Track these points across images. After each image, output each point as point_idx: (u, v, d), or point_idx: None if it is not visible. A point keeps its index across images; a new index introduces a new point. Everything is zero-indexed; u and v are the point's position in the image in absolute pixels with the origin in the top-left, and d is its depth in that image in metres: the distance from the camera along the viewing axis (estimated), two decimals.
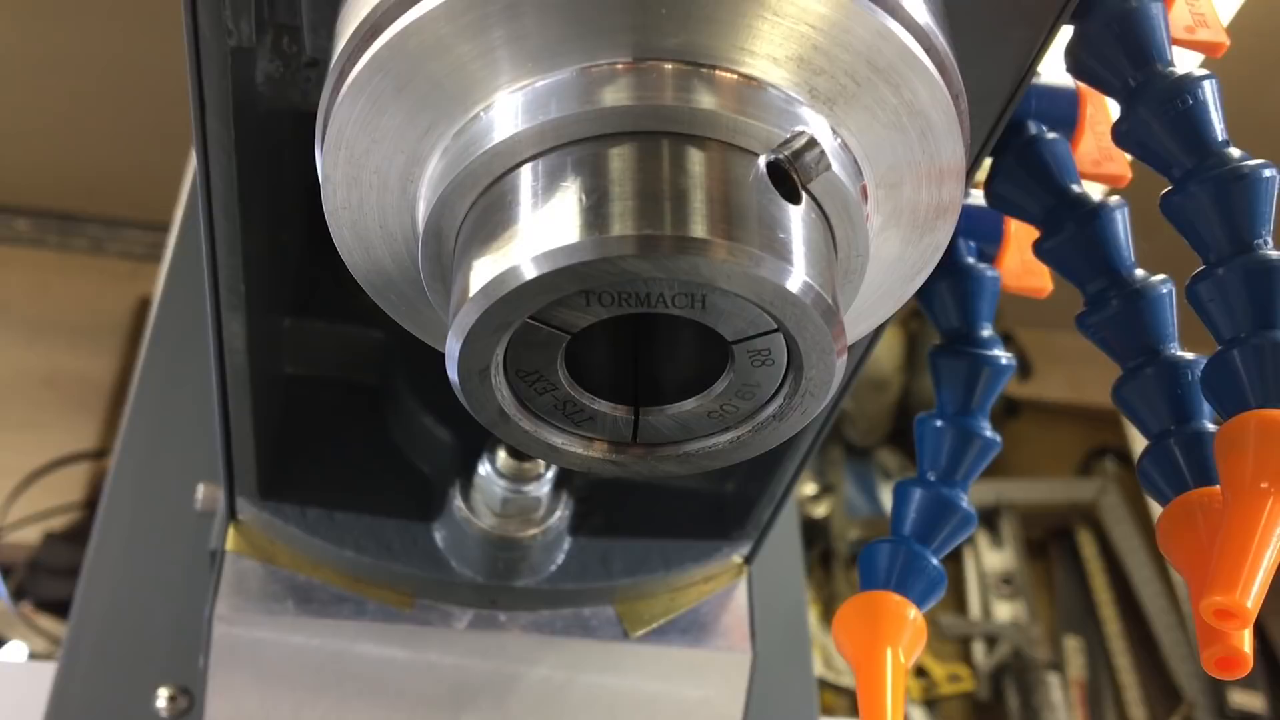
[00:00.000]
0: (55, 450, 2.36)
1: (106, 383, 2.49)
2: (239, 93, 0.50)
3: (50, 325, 2.57)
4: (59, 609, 2.10)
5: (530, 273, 0.36)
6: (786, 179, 0.38)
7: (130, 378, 2.37)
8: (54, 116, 2.47)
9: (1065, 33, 0.50)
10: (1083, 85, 0.55)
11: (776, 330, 0.38)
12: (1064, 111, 0.57)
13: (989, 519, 2.49)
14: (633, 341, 0.45)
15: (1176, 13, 0.52)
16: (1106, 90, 0.51)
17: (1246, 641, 0.44)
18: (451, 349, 0.38)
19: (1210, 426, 0.50)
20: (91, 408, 2.46)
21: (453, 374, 0.39)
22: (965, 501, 0.59)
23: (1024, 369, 2.56)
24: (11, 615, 2.06)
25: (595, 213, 0.36)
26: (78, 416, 2.44)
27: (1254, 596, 0.41)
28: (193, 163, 1.28)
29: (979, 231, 0.62)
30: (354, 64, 0.39)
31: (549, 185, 0.37)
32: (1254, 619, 0.41)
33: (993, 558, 2.48)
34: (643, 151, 0.37)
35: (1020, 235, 0.62)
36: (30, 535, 2.25)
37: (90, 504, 2.29)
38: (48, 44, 2.29)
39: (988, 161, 0.55)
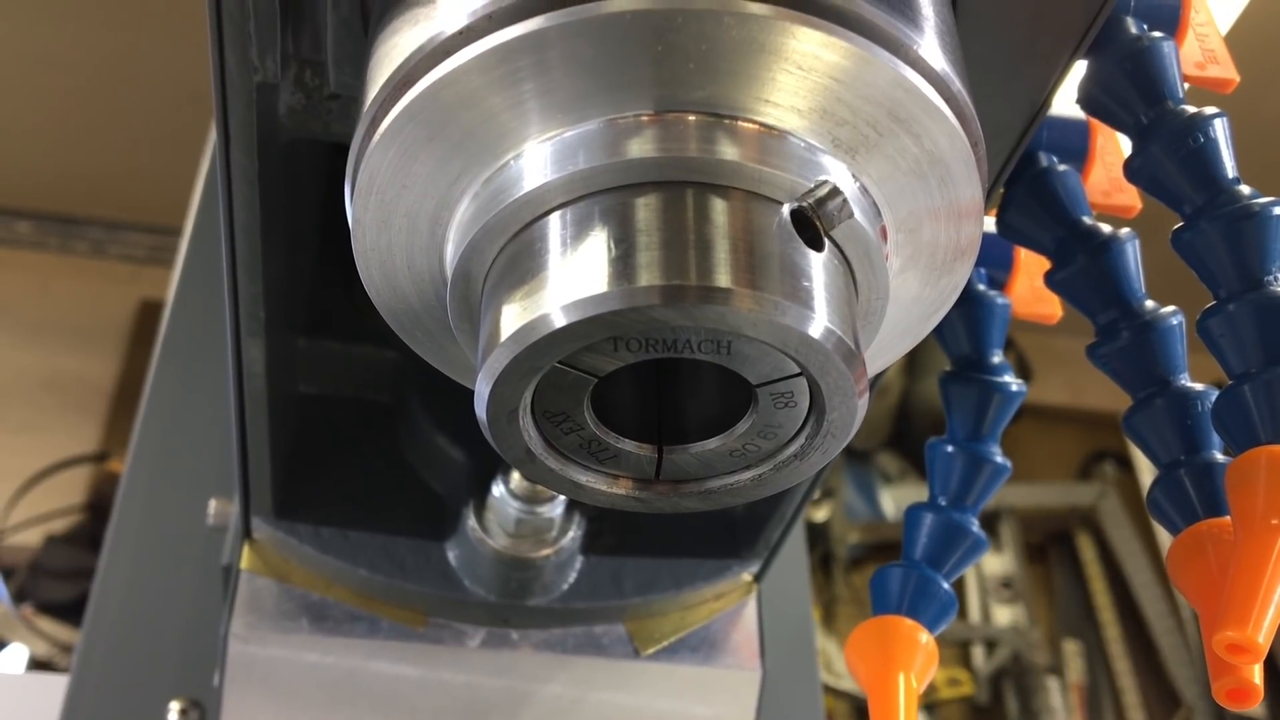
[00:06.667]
0: (56, 453, 2.36)
1: (107, 385, 2.49)
2: (262, 125, 0.51)
3: (51, 327, 2.58)
4: (60, 612, 2.10)
5: (560, 321, 0.37)
6: (810, 227, 0.38)
7: (133, 381, 2.37)
8: (55, 119, 2.48)
9: (1078, 68, 0.51)
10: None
11: (800, 374, 0.39)
12: (1075, 143, 0.58)
13: (988, 523, 2.50)
14: (656, 381, 0.45)
15: (1187, 49, 0.53)
16: (1118, 126, 0.51)
17: (1257, 674, 0.44)
18: (481, 391, 0.39)
19: (1220, 457, 0.50)
20: (92, 410, 2.46)
21: (481, 415, 0.40)
22: (976, 526, 0.60)
23: (1024, 373, 2.57)
24: (13, 618, 2.06)
25: (623, 262, 0.37)
26: (78, 419, 2.45)
27: (1265, 632, 0.42)
28: (202, 169, 1.29)
29: (989, 258, 0.62)
30: (386, 112, 0.39)
31: (577, 234, 0.38)
32: (1265, 653, 0.42)
33: (992, 562, 2.49)
34: (668, 201, 0.38)
35: (1030, 262, 0.63)
36: (31, 538, 2.25)
37: (91, 507, 2.29)
38: (49, 47, 2.30)
39: (1000, 191, 0.56)
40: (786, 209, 0.38)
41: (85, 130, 2.48)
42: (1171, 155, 0.49)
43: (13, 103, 2.41)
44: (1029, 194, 0.55)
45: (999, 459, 0.60)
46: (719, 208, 0.38)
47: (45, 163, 2.57)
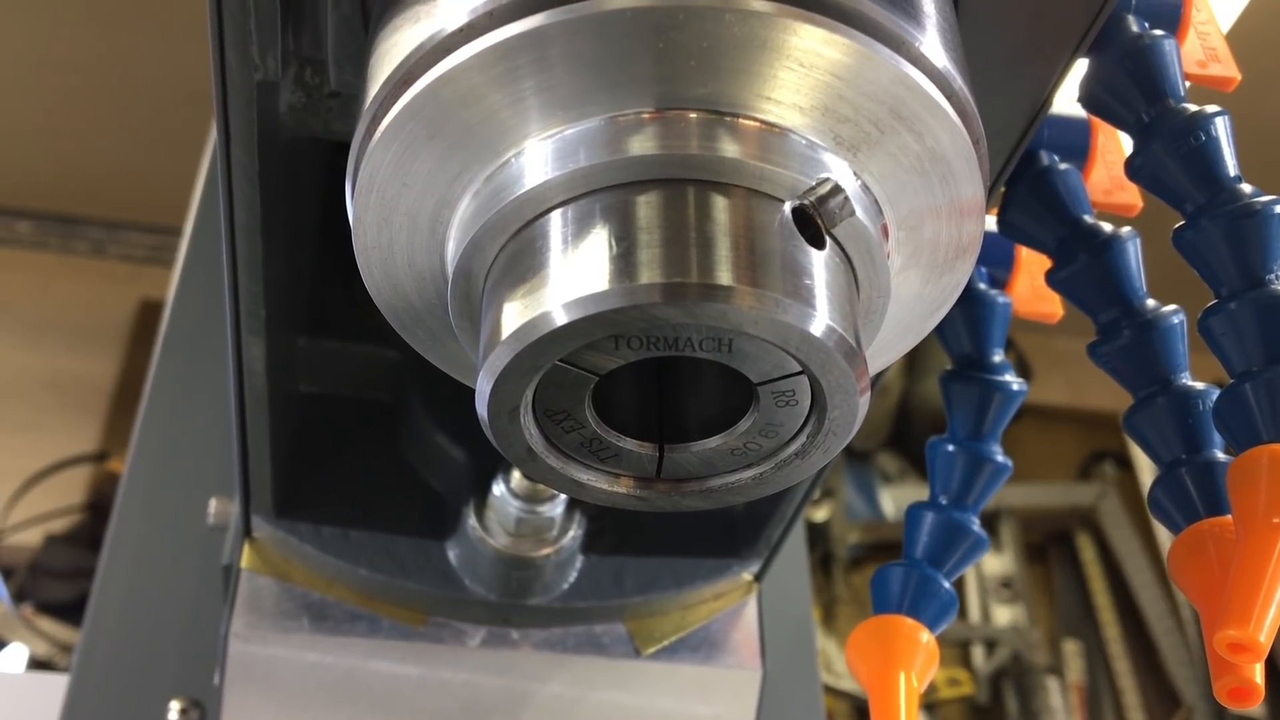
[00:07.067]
0: (56, 452, 2.36)
1: (107, 385, 2.49)
2: (263, 123, 0.51)
3: (51, 327, 2.58)
4: (60, 612, 2.10)
5: (561, 319, 0.37)
6: (811, 224, 0.38)
7: (133, 381, 2.37)
8: (55, 118, 2.48)
9: (1080, 66, 0.51)
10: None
11: (801, 373, 0.39)
12: (1076, 141, 0.58)
13: (988, 523, 2.49)
14: (657, 379, 0.45)
15: (1188, 48, 0.53)
16: (1120, 125, 0.51)
17: (1258, 673, 0.44)
18: (482, 389, 0.39)
19: (1221, 456, 0.50)
20: (92, 410, 2.46)
21: (483, 413, 0.40)
22: (977, 525, 0.60)
23: (1024, 373, 2.57)
24: (13, 618, 2.06)
25: (624, 260, 0.37)
26: (78, 419, 2.45)
27: (1267, 630, 0.42)
28: (202, 168, 1.29)
29: (990, 257, 0.62)
30: (387, 110, 0.39)
31: (578, 232, 0.38)
32: (1267, 652, 0.42)
33: (992, 562, 2.49)
34: (669, 199, 0.38)
35: (1031, 261, 0.63)
36: (31, 537, 2.25)
37: (91, 506, 2.29)
38: (49, 47, 2.30)
39: (1001, 190, 0.56)
40: (788, 206, 0.38)
41: (85, 130, 2.48)
42: (1173, 153, 0.49)
43: (13, 103, 2.40)
44: (1030, 192, 0.55)
45: (1000, 458, 0.60)
46: (720, 205, 0.38)
47: (45, 163, 2.57)
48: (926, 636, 0.58)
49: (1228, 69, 0.54)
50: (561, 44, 0.37)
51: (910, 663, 0.57)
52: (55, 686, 0.91)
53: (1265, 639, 0.42)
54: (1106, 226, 0.53)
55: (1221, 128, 0.48)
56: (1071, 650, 2.44)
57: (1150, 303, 0.53)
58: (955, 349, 0.61)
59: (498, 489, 0.69)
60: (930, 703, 2.34)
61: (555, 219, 0.39)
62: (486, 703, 0.74)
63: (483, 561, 0.70)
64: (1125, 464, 2.69)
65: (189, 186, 1.28)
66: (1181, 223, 0.49)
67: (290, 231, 0.60)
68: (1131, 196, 0.58)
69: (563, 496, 0.69)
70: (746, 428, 0.42)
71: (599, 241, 0.37)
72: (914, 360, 2.59)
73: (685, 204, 0.38)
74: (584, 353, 0.38)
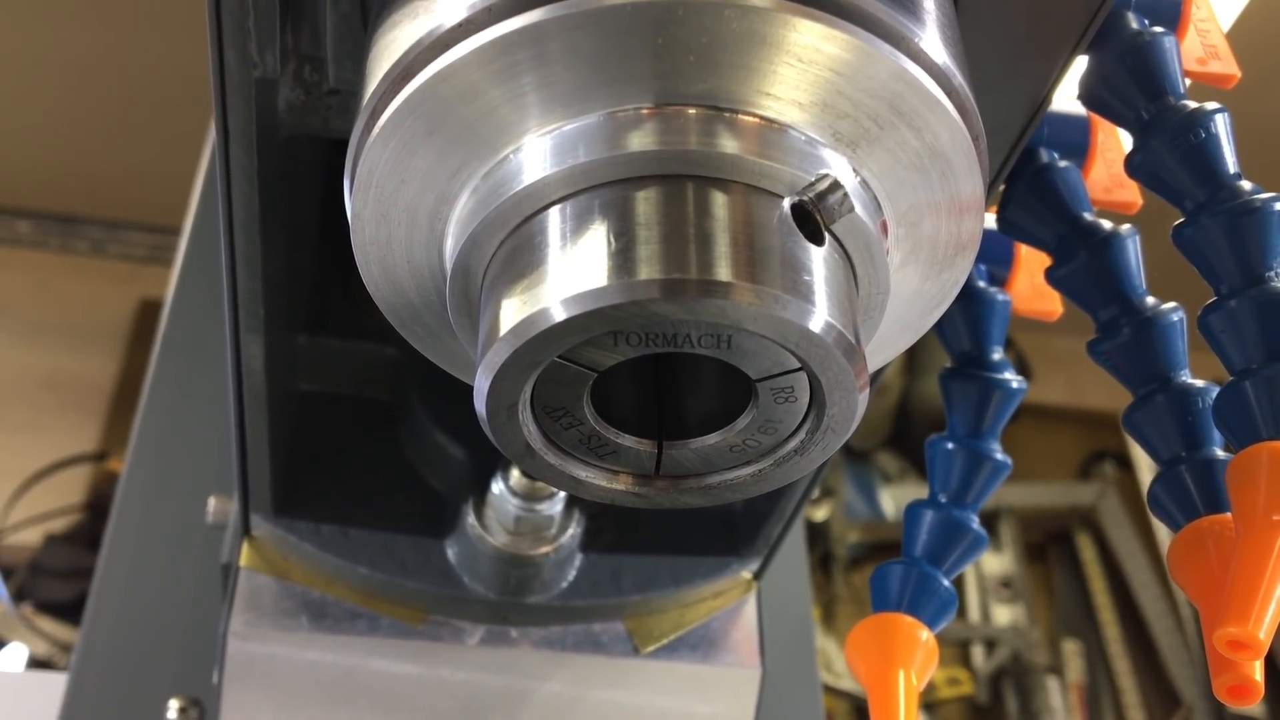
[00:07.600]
0: (56, 452, 2.36)
1: (107, 384, 2.49)
2: (262, 120, 0.50)
3: (51, 327, 2.58)
4: (60, 611, 2.10)
5: (560, 315, 0.37)
6: (810, 221, 0.38)
7: (132, 380, 2.37)
8: (55, 118, 2.48)
9: (1079, 64, 0.51)
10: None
11: (800, 369, 0.39)
12: (1076, 139, 0.58)
13: (988, 523, 2.48)
14: (656, 376, 0.45)
15: (1188, 45, 0.53)
16: (1119, 122, 0.51)
17: (1258, 670, 0.44)
18: (481, 386, 0.39)
19: (1221, 454, 0.50)
20: (92, 409, 2.46)
21: (481, 410, 0.40)
22: (976, 523, 0.60)
23: (1023, 373, 2.56)
24: (12, 617, 2.06)
25: (623, 256, 0.37)
26: (78, 418, 2.45)
27: (1266, 628, 0.42)
28: (202, 168, 1.29)
29: (990, 255, 0.62)
30: (385, 106, 0.39)
31: (577, 228, 0.38)
32: (1266, 649, 0.42)
33: (992, 561, 2.49)
34: (668, 195, 0.38)
35: (1030, 259, 0.63)
36: (31, 537, 2.25)
37: (91, 506, 2.29)
38: (49, 45, 2.30)
39: (1000, 188, 0.56)
40: (787, 203, 0.38)
41: (85, 130, 2.48)
42: (1173, 150, 0.48)
43: (13, 103, 2.40)
44: (1030, 190, 0.55)
45: (999, 456, 0.60)
46: (719, 201, 0.38)
47: (45, 163, 2.56)
48: (926, 635, 0.58)
49: (1228, 66, 0.54)
50: (560, 39, 0.37)
51: (910, 661, 0.56)
52: (55, 686, 0.90)
53: (1265, 636, 0.42)
54: (1106, 224, 0.53)
55: (1221, 125, 0.48)
56: (1071, 650, 2.44)
57: (1150, 300, 0.53)
58: (955, 347, 0.61)
59: (497, 487, 0.69)
60: (930, 702, 2.34)
61: (554, 215, 0.39)
62: (485, 701, 0.74)
63: (482, 560, 0.70)
64: (1125, 463, 2.69)
65: (189, 186, 1.28)
66: (1181, 220, 0.49)
67: (289, 229, 0.60)
68: (1131, 194, 0.58)
69: (561, 494, 0.69)
70: (745, 424, 0.42)
71: (598, 237, 0.37)
72: (913, 359, 2.59)
73: (684, 200, 0.38)
74: (582, 349, 0.38)
